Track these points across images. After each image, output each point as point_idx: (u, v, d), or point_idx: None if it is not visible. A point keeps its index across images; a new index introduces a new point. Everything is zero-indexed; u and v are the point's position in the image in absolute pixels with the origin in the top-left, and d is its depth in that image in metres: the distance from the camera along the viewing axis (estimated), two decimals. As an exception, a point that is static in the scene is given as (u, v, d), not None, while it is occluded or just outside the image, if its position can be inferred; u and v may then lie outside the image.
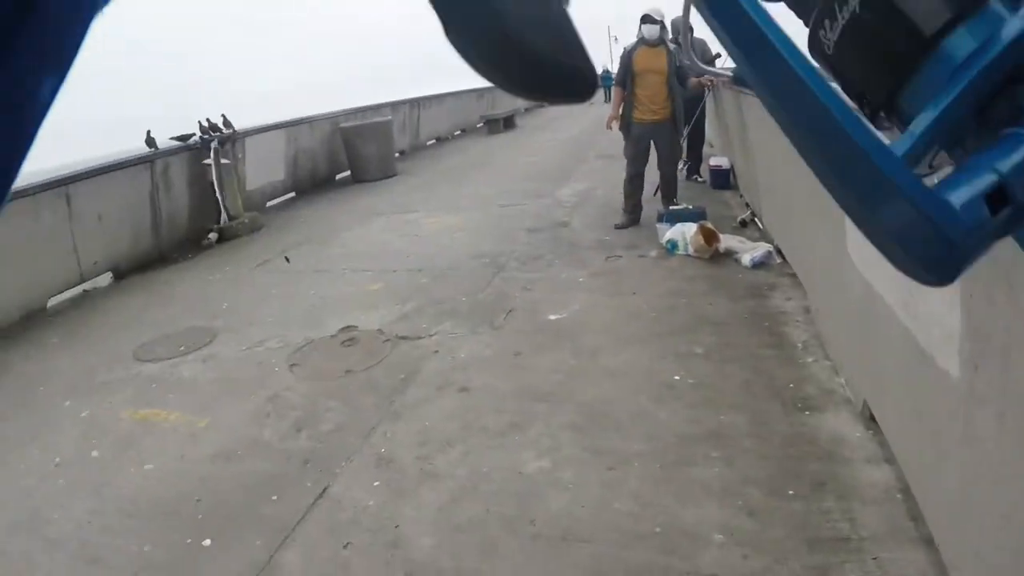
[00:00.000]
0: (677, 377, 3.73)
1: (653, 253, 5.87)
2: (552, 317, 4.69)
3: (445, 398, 3.85)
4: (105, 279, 7.44)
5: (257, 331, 5.26)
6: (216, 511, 3.23)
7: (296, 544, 2.93)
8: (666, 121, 6.44)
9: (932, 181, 0.56)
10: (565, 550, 2.66)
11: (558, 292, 5.16)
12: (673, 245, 5.67)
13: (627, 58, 6.38)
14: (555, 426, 3.42)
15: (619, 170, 6.76)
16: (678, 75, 6.39)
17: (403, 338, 4.71)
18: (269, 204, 10.53)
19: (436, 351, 4.43)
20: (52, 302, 6.73)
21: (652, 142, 6.55)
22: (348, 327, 5.03)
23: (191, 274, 7.34)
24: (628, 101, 6.49)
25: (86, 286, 7.18)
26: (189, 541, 3.05)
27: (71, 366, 5.12)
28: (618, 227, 6.59)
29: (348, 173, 12.28)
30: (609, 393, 3.67)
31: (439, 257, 6.47)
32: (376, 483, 3.22)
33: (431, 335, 4.68)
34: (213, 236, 8.57)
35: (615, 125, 6.79)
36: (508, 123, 17.67)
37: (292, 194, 11.21)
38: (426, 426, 3.60)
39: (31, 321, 6.29)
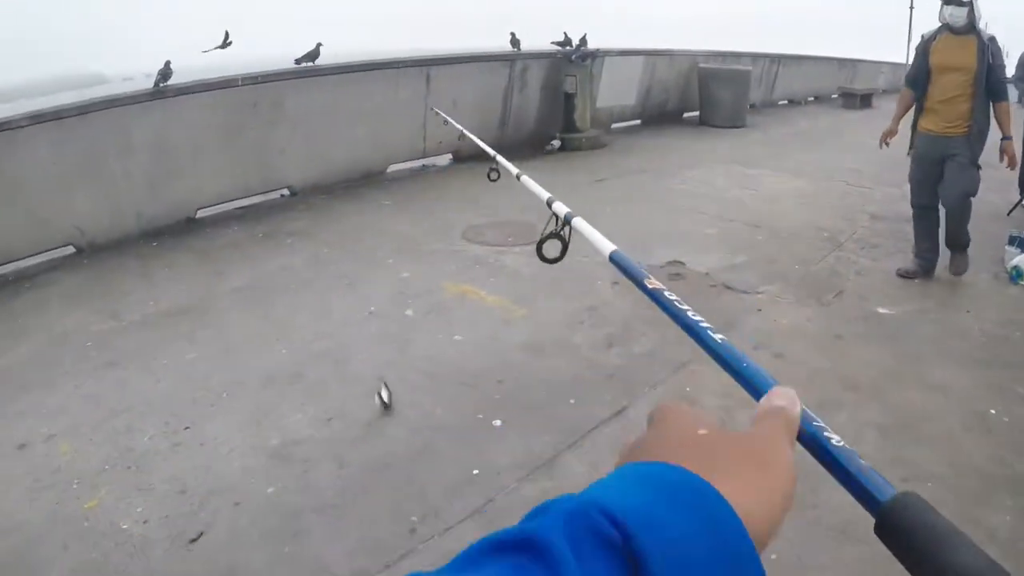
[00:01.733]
0: (993, 411, 3.63)
1: (992, 275, 5.35)
2: (881, 311, 4.57)
3: (759, 359, 3.89)
4: (444, 159, 8.65)
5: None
6: (513, 397, 3.69)
7: (581, 451, 3.29)
8: (962, 136, 5.08)
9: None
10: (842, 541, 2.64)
11: (890, 286, 4.96)
12: (1019, 273, 5.07)
13: (922, 49, 5.28)
14: (860, 419, 3.46)
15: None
16: (990, 79, 4.98)
17: (729, 288, 4.91)
18: (614, 126, 11.33)
19: (759, 309, 4.58)
20: (391, 168, 8.03)
21: (941, 163, 5.22)
22: (676, 262, 5.33)
23: (527, 174, 8.04)
24: (918, 105, 5.34)
25: (426, 162, 8.39)
26: (480, 417, 3.54)
27: (399, 229, 6.29)
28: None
29: (696, 114, 12.86)
30: (920, 404, 3.59)
31: (777, 218, 6.51)
32: None
33: (757, 292, 4.83)
34: (556, 143, 9.53)
35: (891, 141, 5.60)
36: (865, 100, 16.81)
37: (638, 121, 11.99)
38: (732, 381, 3.70)
39: (369, 182, 7.68)
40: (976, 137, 5.04)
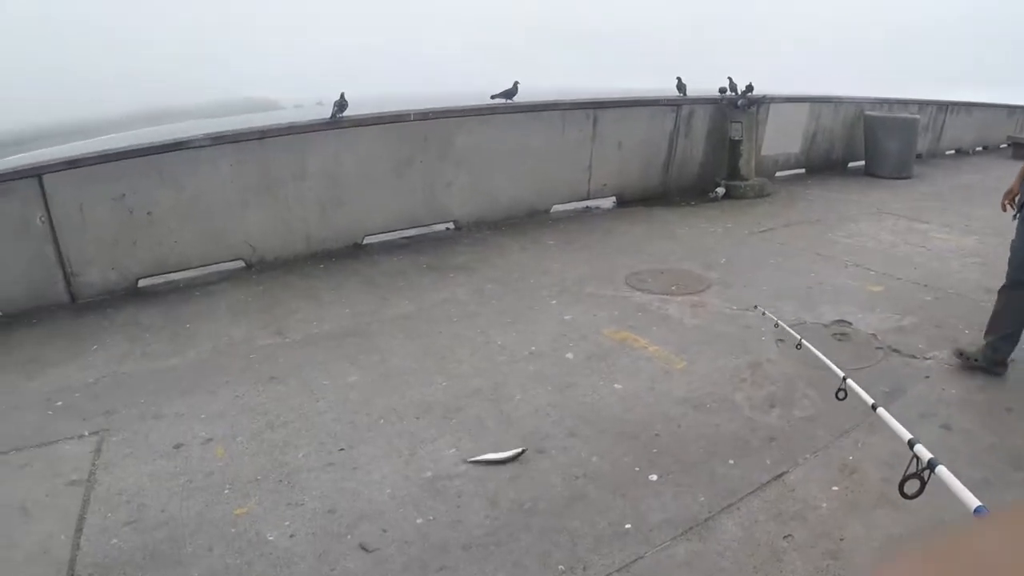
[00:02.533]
0: None
1: None
2: None
3: (925, 428, 3.72)
4: (608, 202, 8.73)
5: (750, 294, 5.66)
6: (670, 451, 3.58)
7: (738, 514, 3.13)
8: None
9: None
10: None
11: None
12: None
13: None
14: None
15: None
16: None
17: (895, 351, 4.66)
18: (778, 174, 11.18)
19: (927, 376, 4.30)
20: (555, 208, 8.15)
21: None
22: (842, 321, 5.16)
23: (691, 221, 8.14)
24: None
25: (588, 203, 8.46)
26: (637, 469, 3.44)
27: (562, 270, 6.33)
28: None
29: (862, 163, 12.38)
30: None
31: (946, 277, 6.14)
32: (835, 488, 3.29)
33: (926, 358, 4.54)
34: (720, 191, 9.45)
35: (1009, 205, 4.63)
36: None
37: (802, 170, 11.77)
38: (899, 449, 3.49)
39: (533, 220, 7.85)
40: None
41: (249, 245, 6.56)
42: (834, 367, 2.58)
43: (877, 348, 4.69)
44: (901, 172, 11.73)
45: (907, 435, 1.68)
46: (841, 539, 2.94)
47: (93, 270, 5.93)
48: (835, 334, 4.92)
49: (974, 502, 1.25)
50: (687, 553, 2.91)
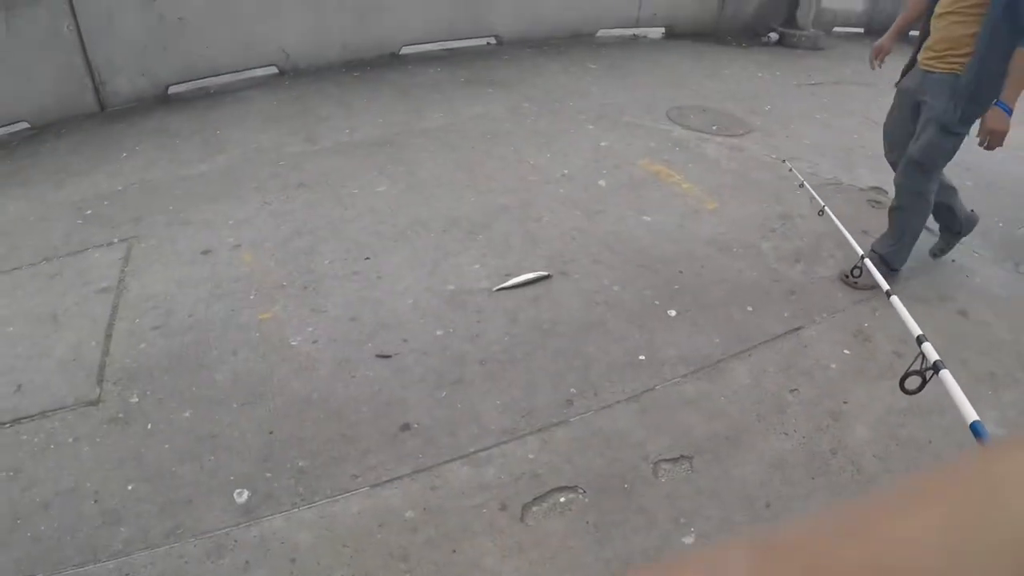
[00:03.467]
0: None
1: None
2: None
3: (942, 310, 3.69)
4: (656, 32, 8.43)
5: (790, 146, 5.51)
6: (691, 290, 3.63)
7: (749, 361, 3.20)
8: (945, 76, 3.52)
9: None
10: None
11: None
12: None
13: None
14: None
15: None
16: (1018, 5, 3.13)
17: (927, 228, 4.46)
18: (836, 29, 10.58)
19: (953, 260, 4.18)
20: (600, 32, 7.96)
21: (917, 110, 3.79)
22: (879, 188, 4.99)
23: (740, 63, 7.83)
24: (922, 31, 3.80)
25: (636, 31, 8.17)
26: (657, 303, 3.49)
27: (602, 96, 6.20)
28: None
29: None
30: None
31: (990, 166, 5.73)
32: (846, 351, 3.32)
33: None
34: (773, 36, 8.99)
35: (878, 61, 4.16)
36: None
37: (862, 30, 11.09)
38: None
39: (577, 42, 7.68)
40: (966, 84, 3.39)
41: (283, 51, 6.44)
42: (854, 243, 2.51)
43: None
44: None
45: (917, 330, 1.64)
46: (845, 402, 3.00)
47: (121, 78, 5.84)
48: (870, 200, 4.81)
49: (972, 415, 1.24)
50: (695, 392, 3.00)
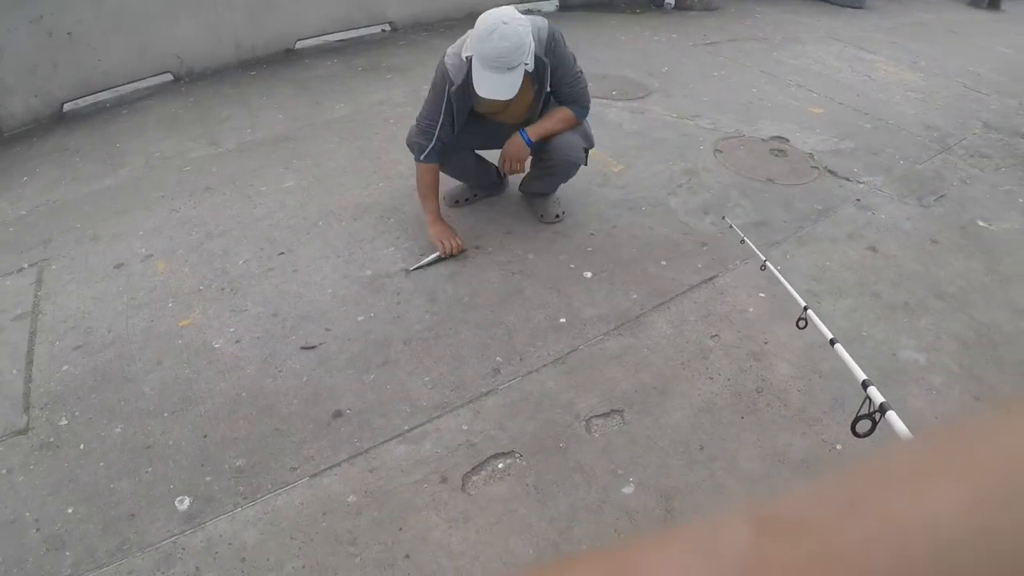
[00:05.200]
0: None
1: None
2: (981, 223, 4.33)
3: (851, 248, 3.90)
4: (550, 6, 8.47)
5: (690, 105, 5.66)
6: (605, 250, 3.75)
7: (668, 313, 3.32)
8: None
9: None
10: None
11: (996, 202, 4.67)
12: None
13: None
14: (943, 329, 3.35)
15: None
16: None
17: (831, 172, 4.77)
18: None
19: (858, 199, 4.43)
20: None
21: None
22: (780, 138, 5.20)
23: (636, 28, 7.95)
24: None
25: (531, 5, 8.21)
26: (572, 267, 3.62)
27: None
28: None
29: None
30: (1006, 326, 3.43)
31: (887, 108, 6.19)
32: (762, 295, 3.47)
33: (859, 182, 4.65)
34: (670, 1, 9.08)
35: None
36: (993, 1, 15.23)
37: None
38: (825, 265, 3.73)
39: (472, 22, 7.36)
40: None
41: (176, 56, 6.29)
42: (797, 296, 2.54)
43: (813, 167, 4.77)
44: (855, 1, 11.43)
45: (862, 375, 1.73)
46: (765, 342, 3.14)
47: (15, 100, 5.61)
48: (772, 149, 4.97)
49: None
50: (619, 347, 3.10)
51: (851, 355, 1.80)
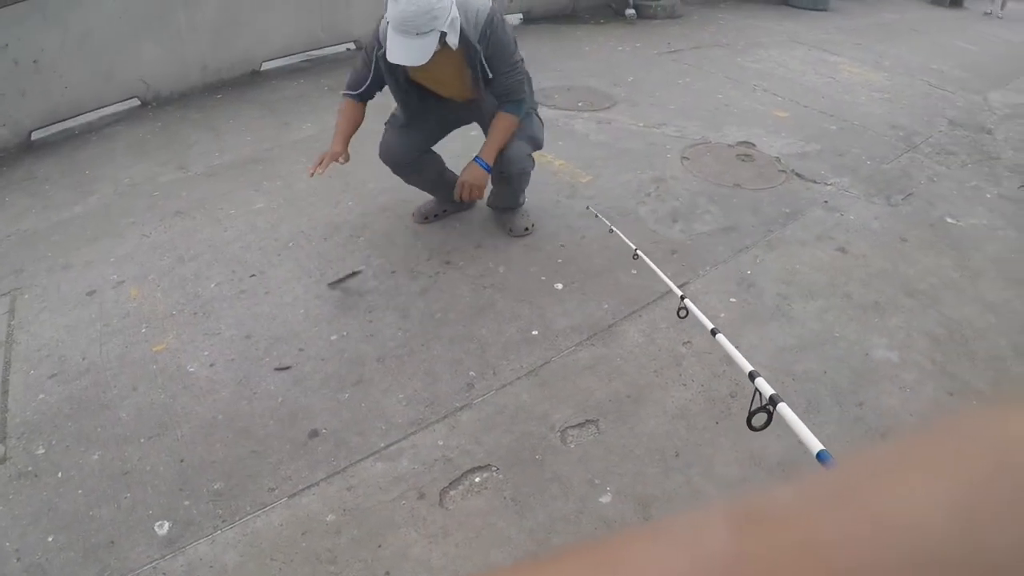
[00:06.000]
0: (1048, 339, 3.51)
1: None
2: (949, 220, 4.42)
3: (821, 250, 3.98)
4: (515, 19, 8.58)
5: (657, 113, 5.74)
6: (575, 261, 3.80)
7: (641, 321, 3.36)
8: None
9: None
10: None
11: (960, 197, 4.77)
12: None
13: None
14: (914, 326, 3.42)
15: None
16: None
17: (798, 175, 4.85)
18: None
19: (826, 201, 4.52)
20: None
21: None
22: (747, 143, 5.29)
23: (600, 39, 8.06)
24: None
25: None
26: (543, 279, 3.65)
27: None
28: None
29: None
30: (977, 321, 3.50)
31: (852, 109, 6.31)
32: (732, 300, 3.53)
33: (827, 183, 4.75)
34: (630, 12, 9.18)
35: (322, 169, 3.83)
36: (955, 0, 15.39)
37: None
38: (795, 268, 3.79)
39: None
40: None
41: (142, 81, 6.27)
42: (673, 286, 2.52)
43: (780, 171, 4.84)
44: (817, 4, 11.49)
45: (748, 367, 1.68)
46: (737, 346, 3.18)
47: None
48: (739, 155, 5.05)
49: (817, 446, 1.30)
50: (591, 357, 3.13)
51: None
